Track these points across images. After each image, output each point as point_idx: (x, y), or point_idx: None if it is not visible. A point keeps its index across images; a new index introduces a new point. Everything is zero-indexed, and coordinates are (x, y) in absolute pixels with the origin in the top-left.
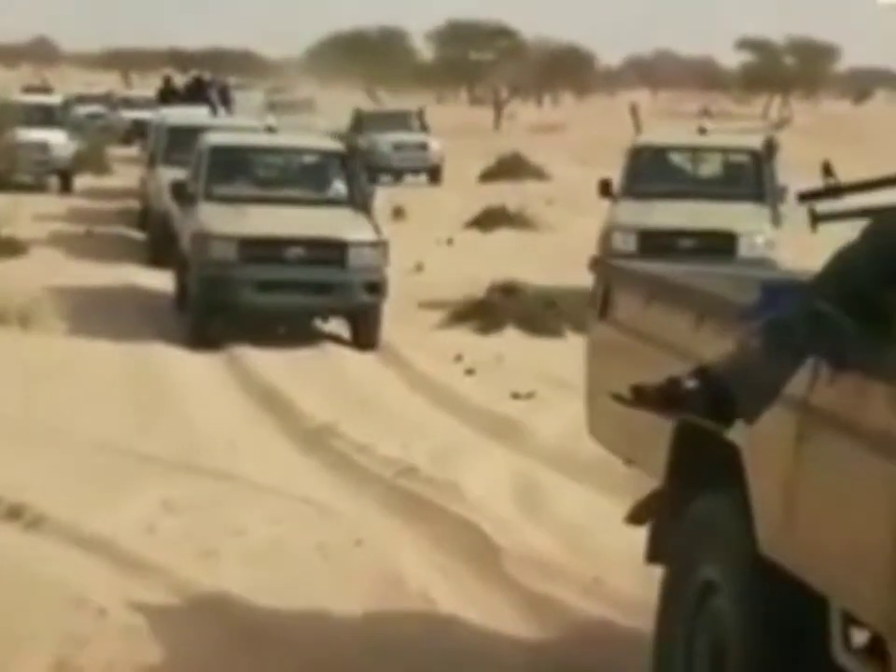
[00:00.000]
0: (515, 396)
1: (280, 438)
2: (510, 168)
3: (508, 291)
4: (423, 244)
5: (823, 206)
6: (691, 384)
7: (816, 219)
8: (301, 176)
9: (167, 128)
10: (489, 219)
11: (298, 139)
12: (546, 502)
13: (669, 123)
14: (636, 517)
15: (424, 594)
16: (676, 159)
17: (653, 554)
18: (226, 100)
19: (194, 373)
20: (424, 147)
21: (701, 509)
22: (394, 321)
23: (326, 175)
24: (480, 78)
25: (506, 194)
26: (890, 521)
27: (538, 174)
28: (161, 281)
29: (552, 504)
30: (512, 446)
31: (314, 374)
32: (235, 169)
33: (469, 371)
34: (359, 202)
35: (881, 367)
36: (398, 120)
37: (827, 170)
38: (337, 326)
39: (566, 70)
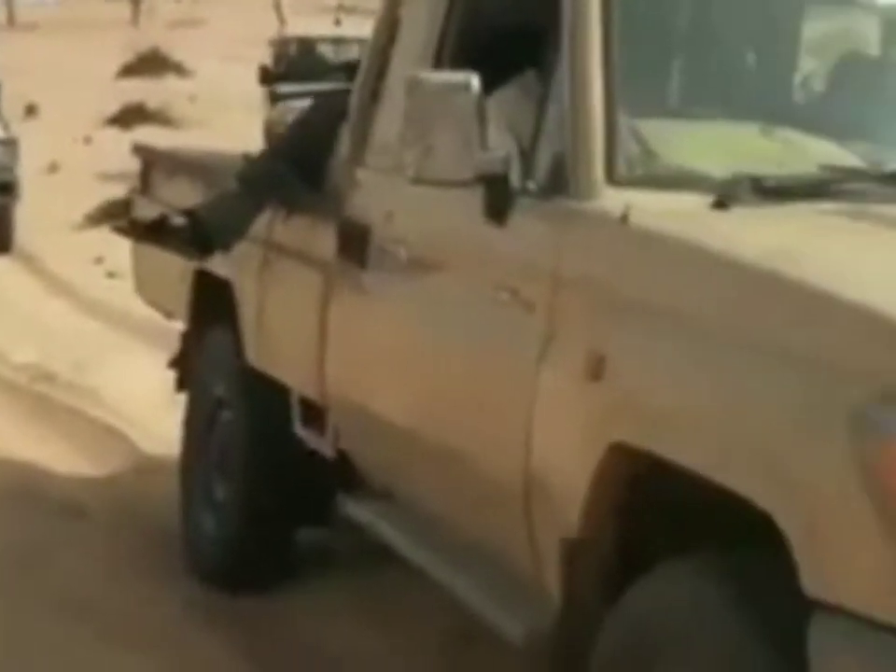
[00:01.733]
0: None
1: None
2: (149, 65)
3: None
4: (58, 142)
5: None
6: (177, 219)
7: (275, 98)
8: None
9: None
10: (129, 117)
11: None
12: None
13: (312, 18)
14: (172, 364)
15: (63, 500)
16: (321, 49)
17: (180, 385)
18: None
19: None
20: None
21: (213, 340)
22: (29, 223)
23: None
24: None
25: (146, 91)
26: (319, 321)
27: (179, 70)
28: None
29: None
30: (156, 348)
31: None
32: None
33: (111, 274)
34: None
35: (314, 211)
36: None
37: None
38: None
39: None
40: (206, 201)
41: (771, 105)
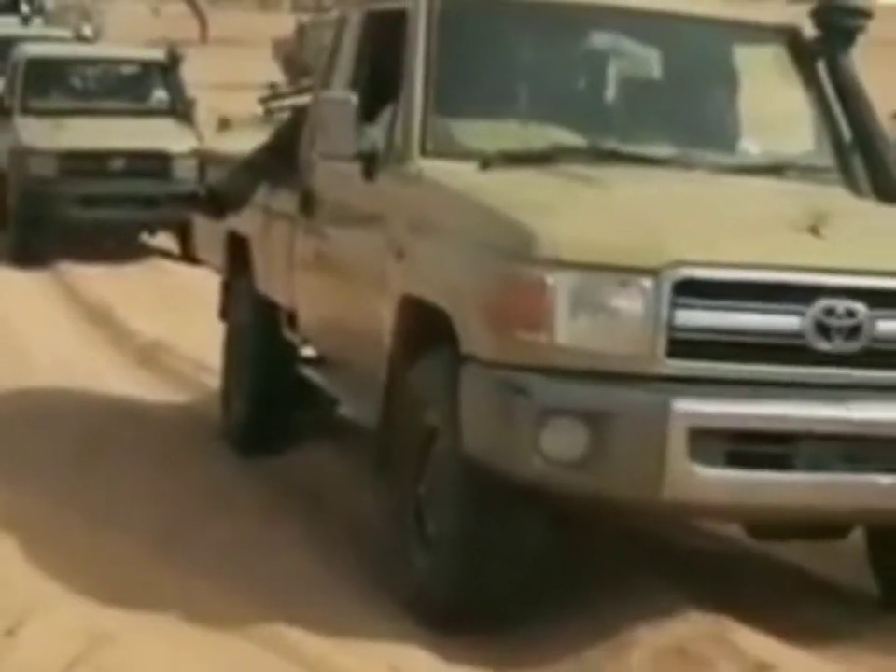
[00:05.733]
0: None
1: (112, 355)
2: None
3: None
4: None
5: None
6: (201, 191)
7: (268, 112)
8: (121, 87)
9: None
10: None
11: (117, 49)
12: None
13: None
14: (221, 313)
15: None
16: None
17: (223, 316)
18: (40, 9)
19: (19, 290)
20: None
21: (239, 283)
22: None
23: (147, 85)
24: None
25: None
26: (288, 256)
27: None
28: None
29: None
30: None
31: (142, 289)
32: (53, 81)
33: None
34: (182, 112)
35: (289, 183)
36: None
37: (272, 86)
38: (164, 240)
39: None
40: (219, 178)
41: (538, 109)
